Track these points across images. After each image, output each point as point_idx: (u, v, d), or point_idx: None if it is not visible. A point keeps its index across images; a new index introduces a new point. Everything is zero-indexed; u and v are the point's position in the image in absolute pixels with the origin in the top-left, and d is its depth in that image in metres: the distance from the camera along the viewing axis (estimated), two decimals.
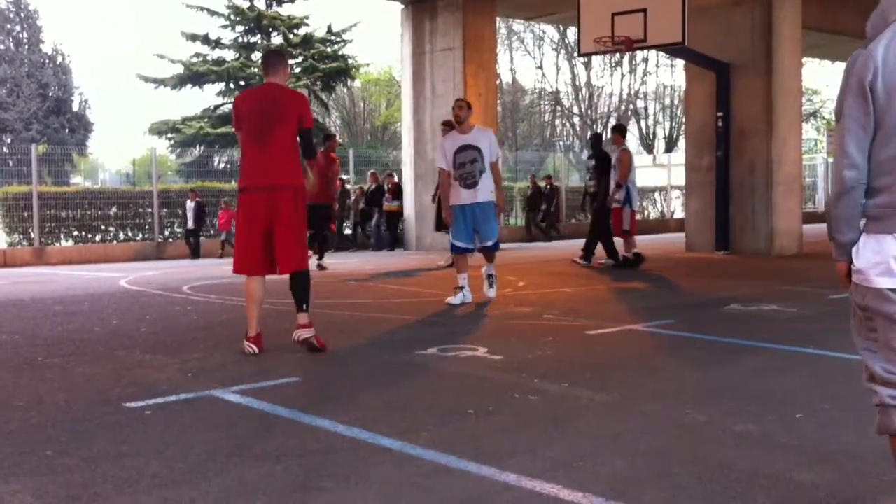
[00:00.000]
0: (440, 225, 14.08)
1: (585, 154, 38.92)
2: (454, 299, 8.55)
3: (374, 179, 20.19)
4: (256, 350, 6.08)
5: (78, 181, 30.53)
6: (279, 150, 6.09)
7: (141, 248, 18.26)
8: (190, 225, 18.26)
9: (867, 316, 2.63)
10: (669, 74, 48.50)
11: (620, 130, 13.32)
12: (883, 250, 2.54)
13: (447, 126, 13.73)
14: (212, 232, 19.26)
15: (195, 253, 18.00)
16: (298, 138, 6.17)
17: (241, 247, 6.27)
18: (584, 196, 14.86)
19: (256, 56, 33.57)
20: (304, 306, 6.21)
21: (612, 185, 12.56)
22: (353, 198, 20.67)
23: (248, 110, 6.21)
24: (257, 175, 6.12)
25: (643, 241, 19.85)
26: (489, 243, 8.67)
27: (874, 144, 2.55)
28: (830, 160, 32.95)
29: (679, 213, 25.84)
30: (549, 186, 22.24)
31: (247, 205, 6.17)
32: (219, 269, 14.53)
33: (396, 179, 20.12)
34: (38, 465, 3.62)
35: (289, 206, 6.08)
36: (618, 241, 12.90)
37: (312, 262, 14.92)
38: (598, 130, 44.38)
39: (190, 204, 18.17)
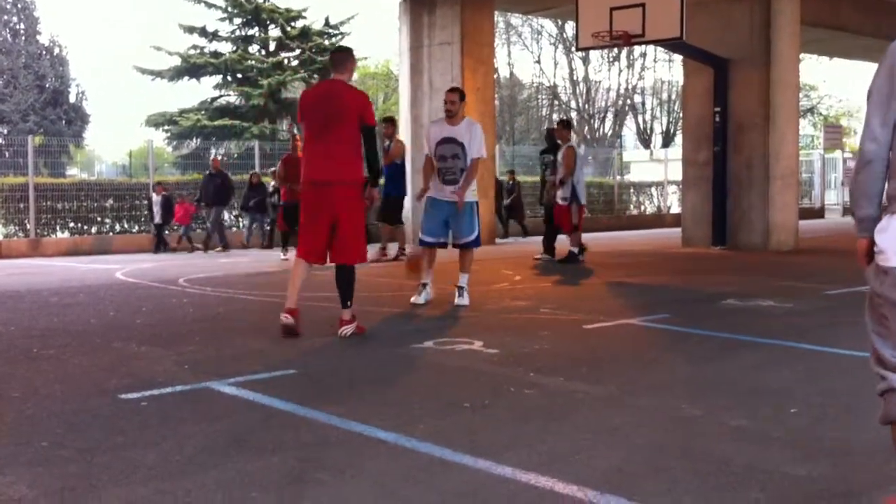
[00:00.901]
0: (384, 217, 14.08)
1: (583, 149, 38.80)
2: (418, 298, 8.17)
3: None
4: (291, 320, 6.39)
5: (74, 173, 30.47)
6: (337, 146, 6.34)
7: (137, 239, 18.21)
8: (157, 220, 17.68)
9: (879, 302, 2.65)
10: (667, 69, 48.47)
11: (567, 125, 13.19)
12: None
13: (388, 122, 13.78)
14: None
15: (159, 247, 17.42)
16: (362, 136, 6.40)
17: (303, 235, 6.58)
18: (541, 189, 14.24)
19: (254, 48, 33.52)
20: (348, 302, 6.47)
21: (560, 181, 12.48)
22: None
23: (310, 105, 6.50)
24: (316, 170, 6.40)
25: (640, 236, 19.89)
26: (469, 238, 8.20)
27: None
28: (827, 156, 33.01)
29: (676, 208, 25.84)
30: (511, 182, 22.08)
31: (308, 198, 6.52)
32: (214, 261, 14.53)
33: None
34: (34, 457, 3.62)
35: (345, 202, 6.36)
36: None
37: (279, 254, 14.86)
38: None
39: (156, 198, 17.57)
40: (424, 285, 8.26)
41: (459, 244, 8.30)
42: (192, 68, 32.55)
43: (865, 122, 2.67)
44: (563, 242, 13.04)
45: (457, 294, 8.22)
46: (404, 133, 19.39)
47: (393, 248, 14.01)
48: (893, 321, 2.62)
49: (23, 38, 39.35)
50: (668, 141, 45.99)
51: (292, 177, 12.68)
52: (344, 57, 6.62)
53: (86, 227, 18.40)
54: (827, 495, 3.12)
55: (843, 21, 20.13)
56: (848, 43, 22.90)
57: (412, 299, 8.20)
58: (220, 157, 23.57)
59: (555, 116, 48.16)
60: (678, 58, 25.67)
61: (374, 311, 7.77)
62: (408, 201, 14.49)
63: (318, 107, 6.42)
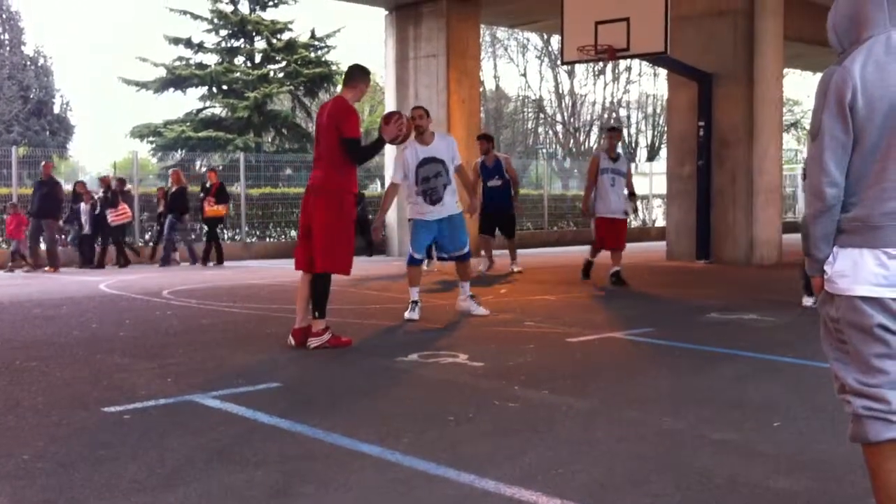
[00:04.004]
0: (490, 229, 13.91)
1: (568, 162, 38.82)
2: (413, 314, 8.10)
3: (177, 180, 17.24)
4: (293, 342, 6.53)
5: None
6: (321, 155, 6.61)
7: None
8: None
9: (837, 328, 2.66)
10: (652, 83, 48.80)
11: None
12: (857, 261, 2.57)
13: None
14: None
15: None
16: (342, 147, 6.54)
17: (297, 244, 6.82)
18: None
19: (239, 60, 33.49)
20: (316, 312, 6.55)
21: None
22: (155, 201, 18.17)
23: (317, 119, 6.87)
24: (309, 178, 6.74)
25: (625, 249, 19.86)
26: (466, 249, 8.29)
27: (850, 161, 2.58)
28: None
29: (660, 222, 25.95)
30: None
31: (302, 204, 6.78)
32: (199, 274, 14.47)
33: (218, 179, 17.34)
34: (15, 470, 3.59)
35: (319, 209, 6.47)
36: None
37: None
38: (581, 139, 44.52)
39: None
40: (416, 302, 8.18)
41: (456, 256, 8.33)
42: (177, 80, 32.49)
43: (821, 166, 2.59)
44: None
45: (473, 304, 8.37)
46: (389, 145, 19.42)
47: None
48: (854, 345, 2.62)
49: (7, 48, 39.21)
50: (652, 154, 46.15)
51: None
52: (352, 72, 6.80)
53: (69, 239, 18.26)
54: None
55: (825, 35, 20.26)
56: (831, 58, 23.03)
57: (406, 315, 8.10)
58: (204, 169, 23.41)
59: (540, 130, 48.41)
60: (663, 72, 25.82)
61: (359, 324, 7.76)
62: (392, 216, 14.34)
63: (317, 121, 6.79)
